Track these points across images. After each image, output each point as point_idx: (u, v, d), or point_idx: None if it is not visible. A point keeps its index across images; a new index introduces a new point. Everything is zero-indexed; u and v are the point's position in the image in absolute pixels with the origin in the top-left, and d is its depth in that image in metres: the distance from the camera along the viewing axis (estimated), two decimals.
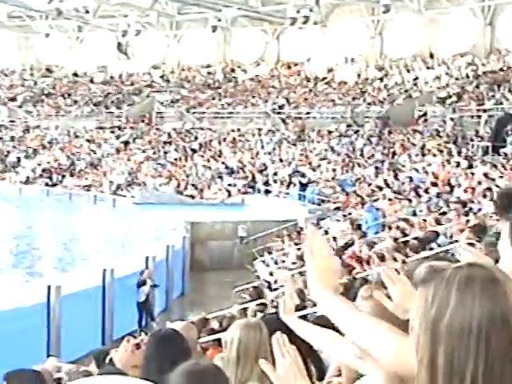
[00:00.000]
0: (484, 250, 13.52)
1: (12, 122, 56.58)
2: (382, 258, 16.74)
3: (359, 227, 22.44)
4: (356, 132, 40.28)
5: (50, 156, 50.28)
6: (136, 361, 5.92)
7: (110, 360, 7.14)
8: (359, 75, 49.92)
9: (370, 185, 30.27)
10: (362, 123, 41.32)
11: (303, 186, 33.68)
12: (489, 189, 21.56)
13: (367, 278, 14.84)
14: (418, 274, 3.46)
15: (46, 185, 46.09)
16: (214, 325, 14.39)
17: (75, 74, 62.42)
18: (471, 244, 15.47)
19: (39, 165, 49.30)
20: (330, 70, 51.98)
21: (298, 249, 22.88)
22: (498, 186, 21.83)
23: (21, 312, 13.88)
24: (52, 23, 57.95)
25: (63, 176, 46.79)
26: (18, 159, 51.20)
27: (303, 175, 35.17)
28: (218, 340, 10.45)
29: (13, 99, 59.39)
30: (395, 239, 18.74)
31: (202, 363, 3.56)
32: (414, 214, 22.85)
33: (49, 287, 14.74)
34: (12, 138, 54.54)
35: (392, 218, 22.99)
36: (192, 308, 19.16)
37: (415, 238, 18.09)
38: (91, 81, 61.05)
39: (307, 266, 2.73)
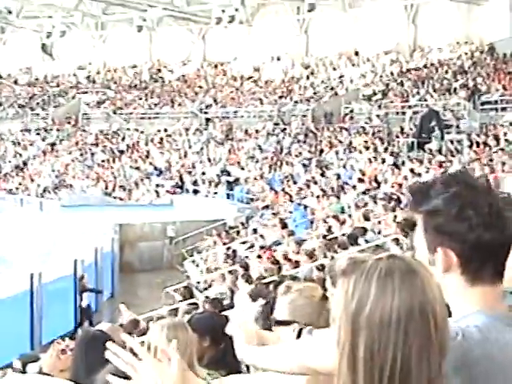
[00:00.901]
0: (409, 245, 13.74)
1: None
2: (310, 256, 16.90)
3: (286, 225, 22.59)
4: (283, 130, 40.47)
5: None
6: (63, 365, 5.89)
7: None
8: (285, 73, 50.17)
9: (296, 183, 30.46)
10: (289, 121, 41.52)
11: (231, 185, 33.73)
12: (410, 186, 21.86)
13: (296, 275, 14.93)
14: (338, 265, 3.51)
15: None
16: (144, 326, 14.33)
17: None
18: (397, 240, 15.74)
19: None
20: (256, 69, 52.14)
21: (228, 248, 22.93)
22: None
23: None
24: None
25: None
26: None
27: (231, 174, 35.21)
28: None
29: None
30: (323, 236, 18.93)
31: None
32: (342, 211, 23.10)
33: None
34: None
35: (320, 215, 23.21)
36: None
37: (343, 235, 18.30)
38: (15, 82, 60.15)
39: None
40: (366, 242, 17.07)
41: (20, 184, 43.97)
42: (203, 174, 37.30)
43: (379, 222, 19.38)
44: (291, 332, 3.42)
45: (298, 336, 3.38)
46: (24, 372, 7.16)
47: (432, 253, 2.27)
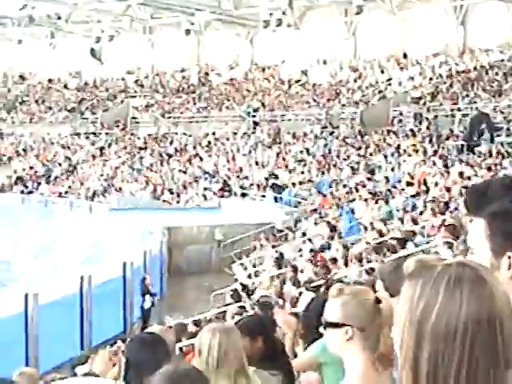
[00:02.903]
0: (460, 249, 13.57)
1: None
2: (358, 260, 16.81)
3: (335, 229, 22.52)
4: (331, 133, 40.35)
5: (25, 163, 50.05)
6: (110, 367, 5.91)
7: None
8: (333, 77, 50.01)
9: (345, 186, 30.33)
10: (337, 125, 41.39)
11: (279, 189, 33.68)
12: (465, 187, 21.67)
13: (344, 279, 14.85)
14: (406, 267, 3.45)
15: (22, 192, 45.88)
16: (193, 329, 14.36)
17: (49, 81, 62.14)
18: (448, 243, 15.57)
19: (15, 172, 49.06)
20: (304, 72, 52.04)
21: (275, 251, 22.90)
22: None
23: None
24: (25, 30, 57.67)
25: (39, 183, 46.59)
26: None
27: (279, 177, 35.18)
28: None
29: None
30: (372, 240, 18.82)
31: (183, 366, 3.55)
32: (391, 215, 22.96)
33: (26, 296, 14.65)
34: None
35: (368, 218, 23.07)
36: (170, 312, 19.10)
37: (392, 238, 18.16)
38: (65, 87, 60.79)
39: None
40: (416, 245, 16.93)
41: (70, 187, 44.43)
42: (250, 177, 37.32)
43: (431, 226, 19.21)
44: (342, 335, 3.38)
45: (349, 339, 3.35)
46: (74, 374, 7.21)
47: (498, 257, 2.20)
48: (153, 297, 19.72)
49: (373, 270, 14.22)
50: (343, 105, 44.21)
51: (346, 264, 17.31)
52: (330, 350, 3.52)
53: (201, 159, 42.51)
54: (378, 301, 3.48)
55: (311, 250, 20.57)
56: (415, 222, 20.20)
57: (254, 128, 44.98)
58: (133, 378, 4.33)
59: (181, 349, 11.79)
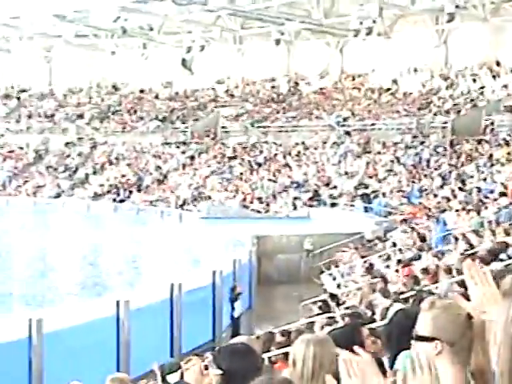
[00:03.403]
0: None
1: (80, 138, 57.47)
2: (448, 271, 16.53)
3: (425, 239, 22.22)
4: (422, 143, 39.91)
5: (117, 172, 50.91)
6: (205, 380, 5.93)
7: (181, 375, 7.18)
8: (424, 85, 49.47)
9: (436, 196, 29.94)
10: (428, 134, 40.91)
11: (369, 199, 33.46)
12: None
13: (434, 290, 14.64)
14: (503, 284, 3.38)
15: (114, 200, 46.68)
16: (281, 339, 14.35)
17: (141, 91, 63.13)
18: None
19: (107, 180, 49.96)
20: (394, 81, 51.63)
21: (365, 261, 22.73)
22: None
23: (90, 327, 14.02)
24: (117, 41, 58.81)
25: (130, 191, 47.33)
26: (86, 175, 51.98)
27: (369, 187, 34.96)
28: (286, 354, 10.41)
29: (80, 116, 60.32)
30: (463, 251, 18.51)
31: (276, 377, 3.53)
32: (482, 226, 22.52)
33: (118, 302, 14.87)
34: (80, 155, 55.39)
35: (460, 229, 22.70)
36: (259, 322, 19.16)
37: (484, 250, 17.81)
38: (156, 97, 61.66)
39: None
40: (509, 257, 16.57)
41: (160, 196, 44.99)
42: (339, 187, 37.18)
43: None
44: (432, 349, 3.33)
45: (439, 353, 3.29)
46: (164, 381, 7.27)
47: None
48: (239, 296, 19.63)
49: (464, 282, 13.97)
50: (434, 114, 43.67)
51: (436, 275, 17.05)
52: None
53: (290, 169, 42.54)
54: (469, 316, 3.41)
55: (399, 261, 20.36)
56: (508, 233, 19.78)
57: (344, 137, 44.77)
58: None
59: (269, 359, 11.77)
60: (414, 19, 50.77)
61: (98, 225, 40.73)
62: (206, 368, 5.51)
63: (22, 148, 58.49)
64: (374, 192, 34.13)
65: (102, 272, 27.09)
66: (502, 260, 15.90)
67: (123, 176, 49.82)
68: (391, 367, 5.18)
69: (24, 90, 67.11)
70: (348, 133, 45.37)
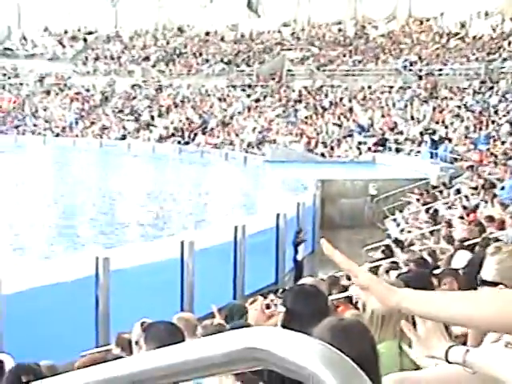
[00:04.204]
0: None
1: (145, 81, 57.74)
2: None
3: (493, 186, 21.93)
4: (490, 88, 39.20)
5: (182, 114, 51.12)
6: (266, 319, 5.97)
7: (241, 315, 7.25)
8: (494, 29, 48.41)
9: (504, 143, 29.47)
10: (498, 80, 40.14)
11: (435, 144, 33.07)
12: None
13: (501, 237, 14.48)
14: None
15: (179, 143, 46.99)
16: (345, 282, 14.37)
17: (206, 33, 63.01)
18: None
19: (172, 123, 50.23)
20: (463, 25, 50.64)
21: (429, 208, 22.58)
22: None
23: (156, 266, 14.22)
24: None
25: (195, 134, 47.54)
26: (152, 118, 52.30)
27: (435, 133, 34.54)
28: (349, 297, 10.43)
29: (146, 58, 60.55)
30: None
31: (346, 319, 3.53)
32: None
33: (182, 243, 15.02)
34: (146, 97, 55.71)
35: None
36: (322, 265, 19.20)
37: None
38: (222, 39, 61.50)
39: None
40: None
41: (225, 139, 45.12)
42: (406, 132, 36.82)
43: None
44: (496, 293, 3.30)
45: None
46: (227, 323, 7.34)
47: None
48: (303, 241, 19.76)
49: None
50: (504, 59, 42.76)
51: (502, 223, 16.85)
52: None
53: (356, 113, 42.22)
54: None
55: (465, 208, 20.16)
56: None
57: (411, 82, 44.16)
58: (293, 328, 4.35)
59: (331, 302, 11.81)
60: None
61: (163, 167, 41.10)
62: (268, 307, 5.55)
63: (88, 90, 59.06)
64: (440, 138, 33.70)
65: (166, 214, 27.37)
66: None
67: (188, 119, 50.02)
68: None
69: (90, 33, 67.53)
70: (418, 77, 44.72)
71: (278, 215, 19.35)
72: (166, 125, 50.24)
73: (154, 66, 59.25)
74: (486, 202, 20.17)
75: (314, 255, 21.74)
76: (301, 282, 6.79)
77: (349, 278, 14.03)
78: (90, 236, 23.09)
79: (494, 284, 3.34)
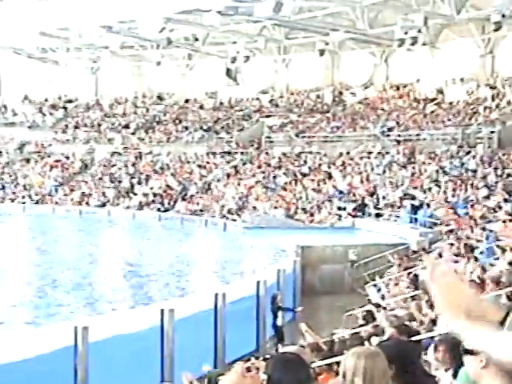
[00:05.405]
0: None
1: (125, 148, 57.91)
2: (496, 283, 16.34)
3: (472, 250, 21.98)
4: (468, 153, 39.58)
5: (161, 181, 51.18)
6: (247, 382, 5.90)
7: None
8: (470, 95, 49.09)
9: (483, 207, 29.64)
10: (474, 144, 40.56)
11: (414, 209, 33.22)
12: None
13: None
14: None
15: (158, 210, 46.94)
16: (325, 349, 14.26)
17: (186, 101, 63.49)
18: None
19: (151, 190, 50.24)
20: (439, 91, 51.32)
21: (409, 273, 22.56)
22: None
23: (135, 336, 14.07)
24: (163, 52, 59.23)
25: (175, 201, 47.54)
26: (131, 185, 52.32)
27: (414, 198, 34.71)
28: (330, 365, 10.36)
29: (126, 126, 60.81)
30: (510, 262, 18.29)
31: None
32: None
33: (162, 311, 14.91)
34: (125, 164, 55.79)
35: (507, 240, 22.44)
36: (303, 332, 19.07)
37: None
38: (201, 107, 61.95)
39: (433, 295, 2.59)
40: None
41: (205, 206, 45.13)
42: (385, 197, 36.99)
43: None
44: (478, 362, 3.32)
45: (484, 367, 3.27)
46: None
47: None
48: (285, 311, 19.74)
49: None
50: (480, 124, 43.28)
51: (482, 287, 16.86)
52: (471, 377, 3.43)
53: (335, 179, 42.42)
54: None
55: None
56: None
57: (389, 147, 44.53)
58: None
59: (313, 369, 11.72)
60: (459, 29, 50.39)
61: (143, 234, 40.98)
62: (249, 370, 5.49)
63: (68, 157, 59.13)
64: (419, 203, 33.86)
65: (146, 281, 27.19)
66: None
67: (167, 185, 50.08)
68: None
69: (71, 101, 67.88)
70: (396, 142, 45.10)
71: (258, 282, 19.28)
72: (145, 192, 50.25)
73: (133, 134, 59.49)
74: (467, 266, 20.19)
75: (294, 322, 21.60)
76: (283, 350, 6.74)
77: (330, 345, 13.94)
78: (68, 306, 22.84)
79: (475, 353, 3.32)
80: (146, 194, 49.87)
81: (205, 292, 20.12)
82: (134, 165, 55.48)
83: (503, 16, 41.49)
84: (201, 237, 38.92)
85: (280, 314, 19.29)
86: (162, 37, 51.92)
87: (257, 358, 12.53)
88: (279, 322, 19.12)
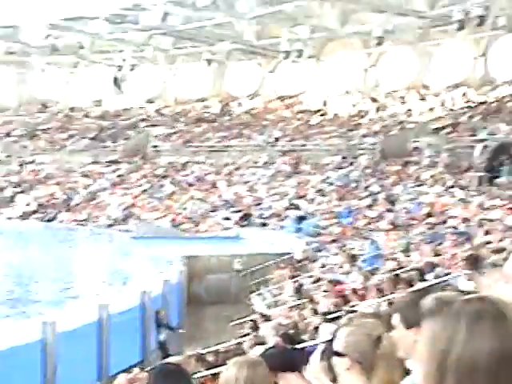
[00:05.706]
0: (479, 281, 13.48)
1: (8, 156, 56.61)
2: (379, 290, 16.70)
3: (355, 259, 22.41)
4: (351, 164, 40.33)
5: (45, 191, 50.24)
6: None
7: None
8: (354, 107, 50.07)
9: (365, 216, 30.26)
10: (357, 155, 41.37)
11: (299, 219, 33.63)
12: (484, 219, 21.57)
13: (363, 310, 14.75)
14: (425, 304, 3.44)
15: (42, 220, 46.05)
16: (210, 359, 14.30)
17: (71, 109, 62.59)
18: (468, 274, 15.44)
19: (35, 199, 49.25)
20: (324, 103, 52.16)
21: (295, 282, 22.81)
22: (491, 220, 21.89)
23: (16, 350, 13.76)
24: (48, 59, 58.28)
25: (59, 211, 46.74)
26: (14, 194, 51.17)
27: (299, 208, 35.14)
28: (215, 374, 10.39)
29: (8, 134, 59.49)
30: (391, 271, 18.72)
31: None
32: (408, 246, 22.83)
33: (44, 324, 14.64)
34: (7, 173, 54.54)
35: (388, 249, 22.98)
36: (189, 342, 19.04)
37: (412, 269, 18.05)
38: (86, 115, 61.18)
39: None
40: (436, 277, 16.80)
41: (90, 215, 44.53)
42: (270, 207, 37.31)
43: (451, 258, 19.10)
44: (344, 363, 3.46)
45: (347, 369, 3.41)
46: None
47: None
48: (170, 330, 19.65)
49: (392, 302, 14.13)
50: (363, 135, 44.19)
51: (364, 295, 17.20)
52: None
53: (221, 188, 42.54)
54: (379, 338, 3.49)
55: (330, 281, 20.49)
56: (435, 253, 20.10)
57: (275, 157, 44.97)
58: None
59: (198, 379, 11.72)
60: (343, 42, 51.43)
61: (26, 245, 40.10)
62: (132, 381, 5.47)
63: None
64: (304, 213, 34.30)
65: (27, 293, 26.62)
66: (425, 280, 16.11)
67: (51, 195, 49.19)
68: None
69: None
70: (284, 153, 45.55)
71: (143, 293, 19.15)
72: (28, 201, 49.22)
73: (16, 142, 58.25)
74: (350, 275, 20.57)
75: (180, 332, 21.55)
76: (167, 360, 6.72)
77: (214, 355, 13.98)
78: None
79: (341, 355, 3.45)
80: (28, 204, 48.85)
81: (88, 303, 19.85)
82: (16, 173, 54.28)
83: (385, 31, 42.59)
84: (86, 247, 38.37)
85: (163, 330, 19.20)
86: (46, 44, 51.11)
87: (141, 369, 12.47)
88: (162, 338, 19.00)
